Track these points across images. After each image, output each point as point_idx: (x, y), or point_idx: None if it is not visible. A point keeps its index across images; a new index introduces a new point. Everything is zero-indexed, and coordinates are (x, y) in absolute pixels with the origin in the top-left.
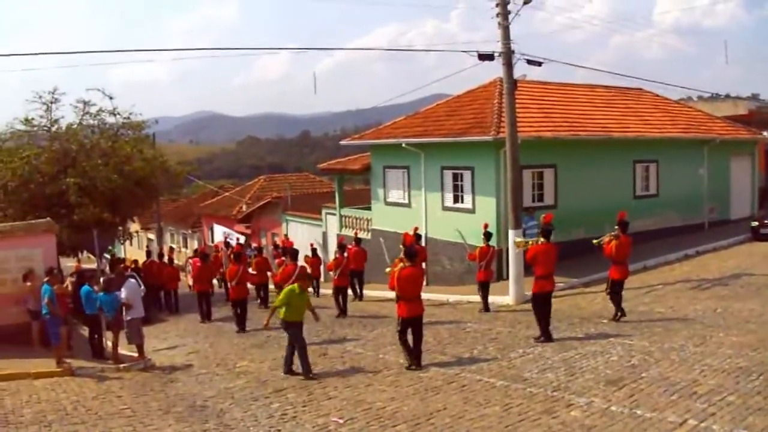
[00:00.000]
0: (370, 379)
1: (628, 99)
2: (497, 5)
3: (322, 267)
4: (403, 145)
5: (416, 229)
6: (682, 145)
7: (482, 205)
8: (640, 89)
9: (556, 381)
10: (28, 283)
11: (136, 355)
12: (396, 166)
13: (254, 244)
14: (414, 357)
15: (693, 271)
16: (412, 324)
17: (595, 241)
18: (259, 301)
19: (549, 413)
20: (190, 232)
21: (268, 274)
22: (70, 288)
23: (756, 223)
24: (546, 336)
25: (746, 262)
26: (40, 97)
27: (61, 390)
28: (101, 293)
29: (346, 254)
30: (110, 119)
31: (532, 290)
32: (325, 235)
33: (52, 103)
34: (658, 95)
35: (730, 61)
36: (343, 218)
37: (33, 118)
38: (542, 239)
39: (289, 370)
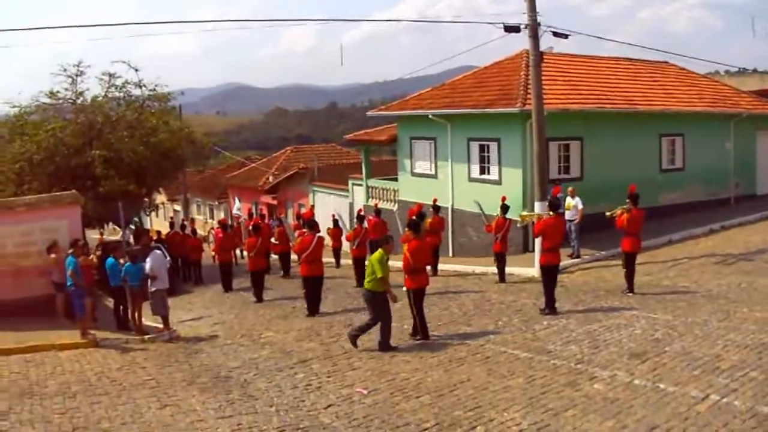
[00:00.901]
0: (394, 350)
1: (654, 72)
2: None
3: (343, 238)
4: (430, 116)
5: (435, 200)
6: (709, 119)
7: (508, 176)
8: (666, 62)
9: (579, 354)
10: (53, 255)
11: (161, 326)
12: (422, 137)
13: (281, 215)
14: (422, 331)
15: (718, 245)
16: (422, 295)
17: (608, 213)
18: (282, 272)
19: (572, 386)
20: (216, 203)
21: (290, 244)
22: (95, 260)
23: None
24: (551, 308)
25: None
26: (65, 70)
27: (85, 361)
28: (127, 263)
29: (365, 225)
30: (136, 91)
31: (539, 262)
32: (351, 205)
33: (77, 75)
34: (684, 69)
35: (757, 35)
36: (370, 189)
37: (58, 91)
38: (550, 212)
39: (355, 343)
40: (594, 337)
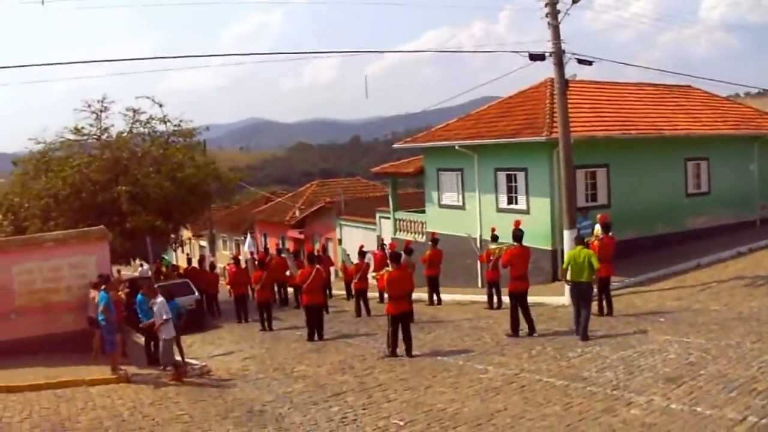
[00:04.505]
0: (430, 381)
1: (677, 96)
2: (546, 5)
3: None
4: (456, 147)
5: (434, 234)
6: (733, 142)
7: (536, 205)
8: (689, 86)
9: (615, 380)
10: (93, 292)
11: (195, 361)
12: (449, 168)
13: (296, 249)
14: (406, 348)
15: (747, 268)
16: (401, 320)
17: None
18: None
19: (609, 412)
20: (242, 238)
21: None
22: (123, 296)
23: None
24: (514, 331)
25: None
26: (90, 105)
27: (117, 397)
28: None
29: (366, 260)
30: (161, 127)
31: (508, 289)
32: (379, 238)
33: (101, 111)
34: (706, 92)
35: None
36: (398, 221)
37: (83, 127)
38: (515, 243)
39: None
40: (628, 363)
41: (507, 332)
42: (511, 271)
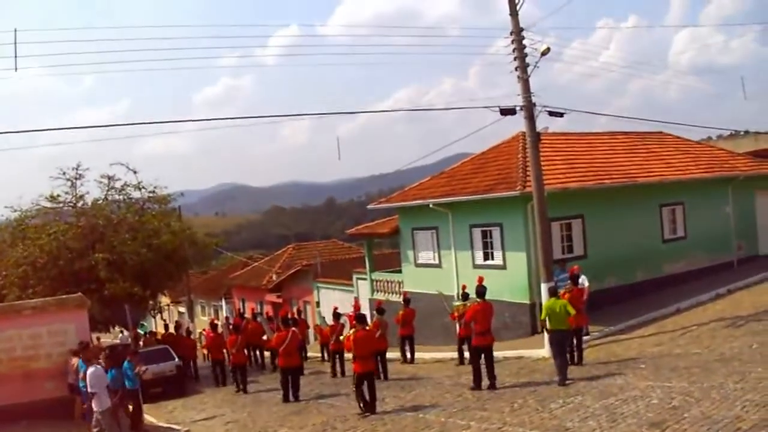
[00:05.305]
0: None
1: (649, 143)
2: (515, 59)
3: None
4: (431, 205)
5: (405, 293)
6: (707, 185)
7: (513, 260)
8: (661, 132)
9: (598, 428)
10: (74, 359)
11: (168, 425)
12: (424, 227)
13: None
14: (369, 405)
15: (726, 309)
16: (366, 378)
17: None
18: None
19: None
20: (221, 303)
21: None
22: (103, 363)
23: None
24: (477, 384)
25: None
26: (64, 173)
27: None
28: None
29: (341, 321)
30: (135, 194)
31: (472, 343)
32: (356, 300)
33: (76, 179)
34: (679, 137)
35: (748, 96)
36: (375, 282)
37: (58, 195)
38: (478, 299)
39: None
40: (611, 411)
41: (470, 386)
42: (475, 327)
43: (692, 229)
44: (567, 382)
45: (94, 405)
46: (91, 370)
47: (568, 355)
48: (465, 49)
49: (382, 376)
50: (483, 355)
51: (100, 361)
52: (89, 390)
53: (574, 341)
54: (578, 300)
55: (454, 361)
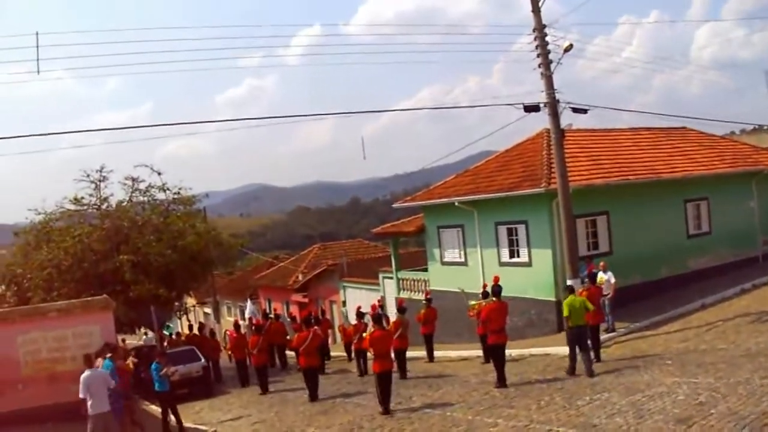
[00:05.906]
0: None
1: (673, 139)
2: (539, 56)
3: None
4: (456, 203)
5: (428, 293)
6: (731, 180)
7: (538, 257)
8: (685, 128)
9: (625, 425)
10: (98, 361)
11: (195, 426)
12: (450, 225)
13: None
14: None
15: (751, 304)
16: (387, 376)
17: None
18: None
19: None
20: (245, 304)
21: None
22: (131, 365)
23: None
24: (501, 382)
25: None
26: (88, 175)
27: None
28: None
29: (365, 320)
30: (160, 195)
31: (488, 342)
32: (383, 298)
33: (100, 181)
34: (702, 132)
35: None
36: (401, 281)
37: (82, 197)
38: (493, 298)
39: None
40: (638, 408)
41: (496, 384)
42: (490, 326)
43: (717, 225)
44: (593, 375)
45: (91, 408)
46: (84, 374)
47: (592, 352)
48: (488, 46)
49: (399, 374)
50: (494, 353)
51: (98, 363)
52: (80, 395)
53: (591, 337)
54: (595, 297)
55: (480, 359)
